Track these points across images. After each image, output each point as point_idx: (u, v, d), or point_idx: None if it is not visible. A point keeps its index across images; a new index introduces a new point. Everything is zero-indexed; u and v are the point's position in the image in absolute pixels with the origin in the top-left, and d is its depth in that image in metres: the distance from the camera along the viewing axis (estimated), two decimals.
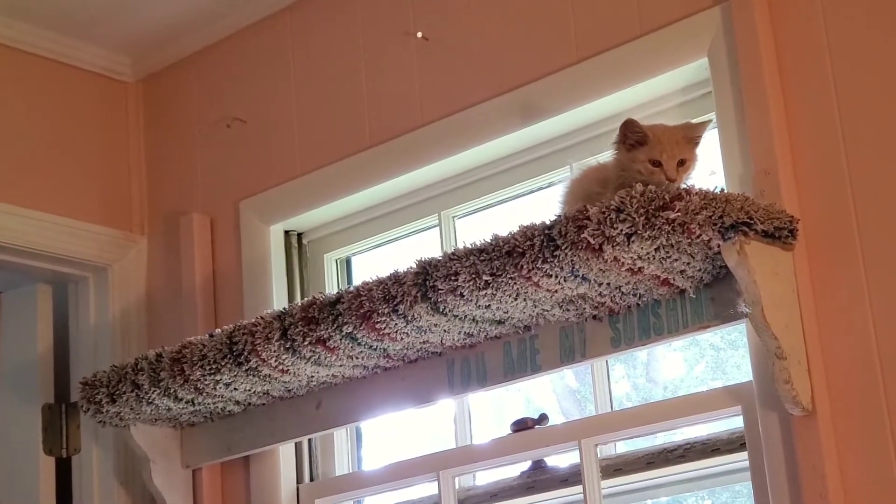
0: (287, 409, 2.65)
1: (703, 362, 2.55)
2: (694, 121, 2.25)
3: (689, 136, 2.14)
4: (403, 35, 2.73)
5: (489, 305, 2.20)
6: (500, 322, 2.30)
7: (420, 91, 2.69)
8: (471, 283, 2.14)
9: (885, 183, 2.09)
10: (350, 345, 2.35)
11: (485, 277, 2.12)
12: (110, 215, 3.09)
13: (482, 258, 2.13)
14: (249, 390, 2.58)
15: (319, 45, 2.89)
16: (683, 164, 2.11)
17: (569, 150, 2.57)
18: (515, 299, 2.17)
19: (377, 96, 2.76)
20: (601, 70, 2.43)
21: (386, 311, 2.25)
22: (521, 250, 2.08)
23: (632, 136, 2.13)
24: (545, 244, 2.06)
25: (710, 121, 2.20)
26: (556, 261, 2.05)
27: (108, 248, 3.06)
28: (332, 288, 2.86)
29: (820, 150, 2.16)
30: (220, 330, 2.54)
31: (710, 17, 2.29)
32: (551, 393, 2.74)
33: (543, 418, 2.49)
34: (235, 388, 2.55)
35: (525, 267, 2.08)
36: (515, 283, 2.12)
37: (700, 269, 2.09)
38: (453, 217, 2.77)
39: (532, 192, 2.68)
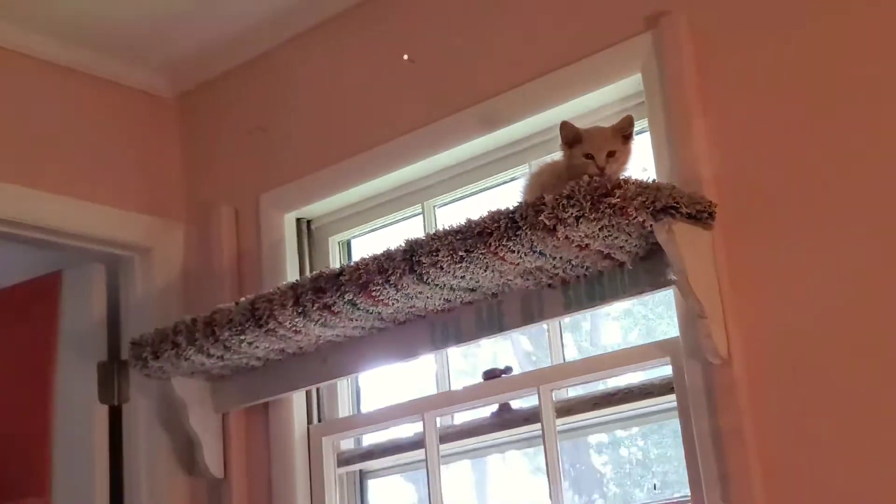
0: (299, 363, 2.64)
1: (636, 330, 2.55)
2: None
3: (617, 129, 2.15)
4: (395, 58, 2.71)
5: (464, 276, 2.19)
6: (472, 290, 2.29)
7: (407, 103, 2.69)
8: (449, 258, 2.14)
9: (786, 172, 2.09)
10: (350, 310, 2.35)
11: (460, 253, 2.12)
12: (154, 206, 3.08)
13: (458, 238, 2.13)
14: (268, 348, 2.57)
15: (326, 65, 2.88)
16: (613, 154, 2.11)
17: (528, 151, 2.56)
18: (485, 271, 2.17)
19: (373, 107, 2.75)
20: (555, 84, 2.42)
21: (380, 281, 2.25)
22: (489, 231, 2.08)
23: (568, 134, 2.15)
24: (509, 226, 2.06)
25: (629, 116, 2.18)
26: (518, 239, 2.05)
27: (151, 234, 3.05)
28: (335, 264, 2.84)
29: (732, 148, 2.16)
30: (244, 298, 2.53)
31: (644, 40, 2.28)
32: (512, 355, 2.73)
33: (508, 369, 2.49)
34: (256, 347, 2.54)
35: (493, 244, 2.08)
36: (485, 258, 2.11)
37: (636, 245, 2.09)
38: (434, 206, 2.76)
39: (498, 185, 2.67)
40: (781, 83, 2.12)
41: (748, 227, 2.10)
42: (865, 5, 2.05)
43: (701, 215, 2.07)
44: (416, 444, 2.60)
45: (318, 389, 2.78)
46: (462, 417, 2.58)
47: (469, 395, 2.51)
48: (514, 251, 2.08)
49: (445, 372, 2.64)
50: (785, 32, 2.13)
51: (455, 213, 2.70)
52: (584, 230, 1.99)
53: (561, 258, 2.12)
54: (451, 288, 2.26)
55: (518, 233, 2.04)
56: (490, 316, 2.33)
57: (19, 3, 2.77)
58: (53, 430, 3.00)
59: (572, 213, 1.97)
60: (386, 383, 2.80)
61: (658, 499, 2.34)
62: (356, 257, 2.37)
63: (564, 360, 2.47)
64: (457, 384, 2.62)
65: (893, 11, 2.01)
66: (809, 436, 1.99)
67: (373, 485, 2.78)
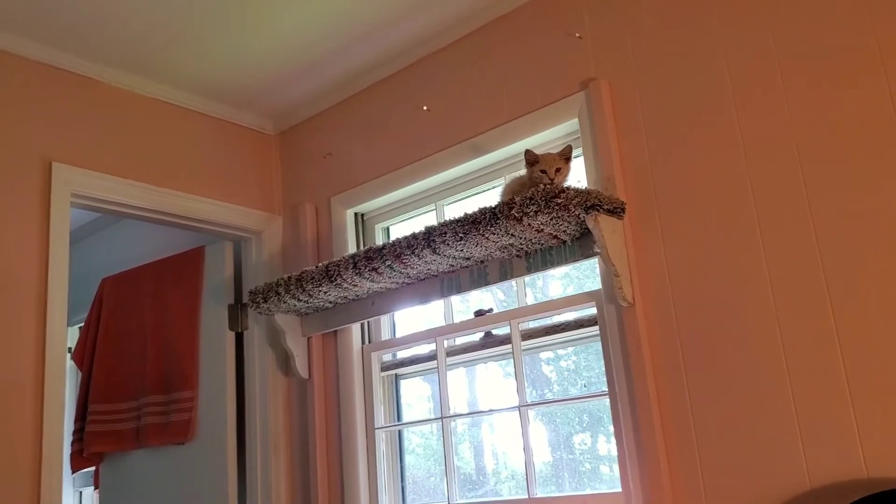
0: (356, 305, 2.61)
1: (572, 285, 2.51)
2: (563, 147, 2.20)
3: (561, 154, 2.12)
4: (416, 108, 2.67)
5: (462, 250, 2.17)
6: (467, 258, 2.26)
7: (426, 137, 2.65)
8: (453, 237, 2.12)
9: (670, 184, 2.06)
10: (389, 271, 2.32)
11: (460, 235, 2.10)
12: (263, 205, 3.04)
13: (459, 225, 2.11)
14: (336, 296, 2.54)
15: (373, 112, 2.84)
16: (559, 170, 2.08)
17: (503, 169, 2.53)
18: (476, 246, 2.15)
19: (404, 140, 2.72)
20: (521, 125, 2.38)
21: (408, 253, 2.22)
22: (479, 220, 2.07)
23: (530, 157, 2.12)
24: (492, 217, 2.04)
25: (569, 146, 2.14)
26: (497, 226, 2.03)
27: (262, 222, 3.01)
28: (379, 242, 2.81)
29: (636, 166, 2.12)
30: (320, 264, 2.50)
31: (579, 96, 2.25)
32: (492, 300, 2.69)
33: (490, 310, 2.46)
34: (328, 294, 2.52)
35: (481, 229, 2.06)
36: (476, 238, 2.09)
37: (574, 230, 2.06)
38: (443, 205, 2.71)
39: (484, 191, 2.63)
40: (665, 126, 2.08)
41: (646, 218, 2.07)
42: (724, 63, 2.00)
43: (616, 210, 2.04)
44: (431, 357, 2.59)
45: (368, 322, 2.75)
46: (461, 340, 2.55)
47: (465, 326, 2.49)
48: (494, 234, 2.05)
49: (450, 311, 2.61)
50: (667, 91, 2.09)
51: (457, 209, 2.66)
52: (541, 220, 1.96)
53: (525, 238, 2.09)
54: (454, 257, 2.23)
55: (497, 222, 2.01)
56: (479, 275, 2.29)
57: (179, 74, 2.74)
58: (200, 347, 2.99)
59: (533, 209, 1.95)
60: (411, 318, 2.77)
61: (584, 393, 2.31)
62: (393, 237, 2.33)
63: (526, 303, 2.44)
64: (457, 319, 2.58)
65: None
66: (682, 348, 1.97)
67: (403, 383, 2.76)
